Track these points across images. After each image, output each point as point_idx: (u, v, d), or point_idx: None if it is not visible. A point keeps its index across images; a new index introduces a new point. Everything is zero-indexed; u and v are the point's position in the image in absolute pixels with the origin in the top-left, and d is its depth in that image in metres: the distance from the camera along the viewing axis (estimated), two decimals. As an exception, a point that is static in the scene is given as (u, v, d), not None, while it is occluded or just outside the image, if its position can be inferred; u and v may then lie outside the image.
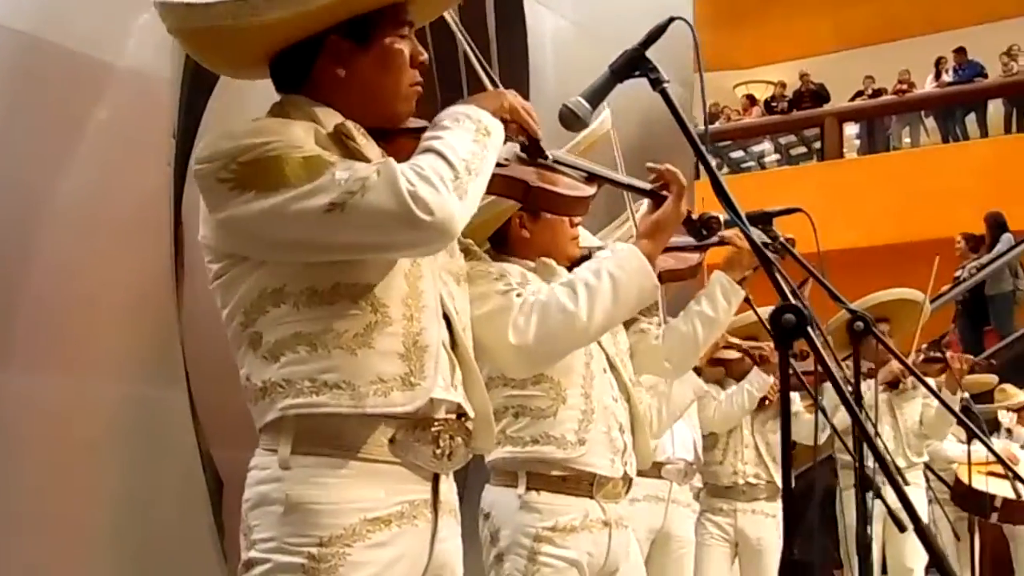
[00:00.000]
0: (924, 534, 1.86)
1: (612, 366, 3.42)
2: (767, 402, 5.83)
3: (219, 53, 2.36)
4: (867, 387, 6.23)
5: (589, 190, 2.57)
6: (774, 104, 19.49)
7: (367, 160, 2.18)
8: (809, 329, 1.96)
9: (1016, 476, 4.54)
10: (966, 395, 6.40)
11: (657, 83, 2.28)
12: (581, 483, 3.25)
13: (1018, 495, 6.73)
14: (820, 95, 18.95)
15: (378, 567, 2.14)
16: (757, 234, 2.99)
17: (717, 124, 19.66)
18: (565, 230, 3.37)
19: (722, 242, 3.66)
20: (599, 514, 3.28)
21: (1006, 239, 13.15)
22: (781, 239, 3.22)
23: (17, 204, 4.05)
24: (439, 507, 2.28)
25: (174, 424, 4.56)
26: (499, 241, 3.34)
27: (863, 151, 18.98)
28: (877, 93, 18.69)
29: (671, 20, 2.31)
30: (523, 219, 3.30)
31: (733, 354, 5.63)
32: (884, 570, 6.59)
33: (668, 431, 5.32)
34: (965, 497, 7.35)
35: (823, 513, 7.25)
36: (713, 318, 3.76)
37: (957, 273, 12.71)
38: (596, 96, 2.34)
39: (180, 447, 4.58)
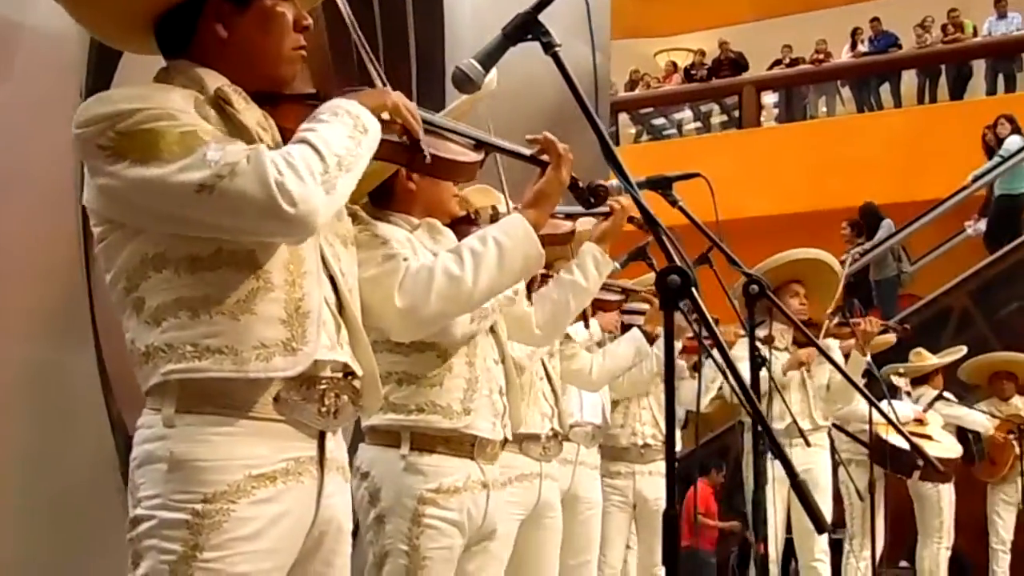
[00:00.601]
0: (799, 488, 1.91)
1: (492, 329, 3.45)
2: None
3: (102, 11, 2.34)
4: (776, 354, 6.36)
5: (475, 156, 2.62)
6: (693, 72, 19.56)
7: (245, 127, 2.20)
8: (694, 291, 2.00)
9: (905, 437, 4.66)
10: (868, 359, 6.48)
11: (549, 47, 2.29)
12: (463, 444, 3.29)
13: (920, 452, 6.84)
14: (739, 64, 19.07)
15: (263, 522, 2.17)
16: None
17: (637, 91, 19.75)
18: (450, 187, 3.39)
19: (609, 213, 3.74)
20: (479, 476, 3.32)
21: (886, 225, 13.37)
22: (680, 203, 3.26)
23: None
24: (325, 464, 2.31)
25: (82, 386, 4.52)
26: (381, 195, 3.32)
27: (781, 119, 19.12)
28: (795, 62, 18.84)
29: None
30: (410, 172, 3.29)
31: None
32: (789, 530, 6.69)
33: (578, 394, 5.40)
34: (886, 456, 7.44)
35: (736, 476, 7.33)
36: (584, 288, 3.80)
37: (843, 258, 12.95)
38: (488, 59, 2.35)
39: (88, 409, 4.55)
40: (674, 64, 21.07)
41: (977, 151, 13.46)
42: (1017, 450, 8.45)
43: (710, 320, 2.05)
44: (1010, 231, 12.38)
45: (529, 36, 2.32)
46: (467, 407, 3.27)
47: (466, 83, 2.36)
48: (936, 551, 8.37)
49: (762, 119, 18.73)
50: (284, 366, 2.19)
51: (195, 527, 2.11)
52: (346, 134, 2.18)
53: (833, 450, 7.01)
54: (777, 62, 19.19)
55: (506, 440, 3.47)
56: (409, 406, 3.27)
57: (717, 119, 20.06)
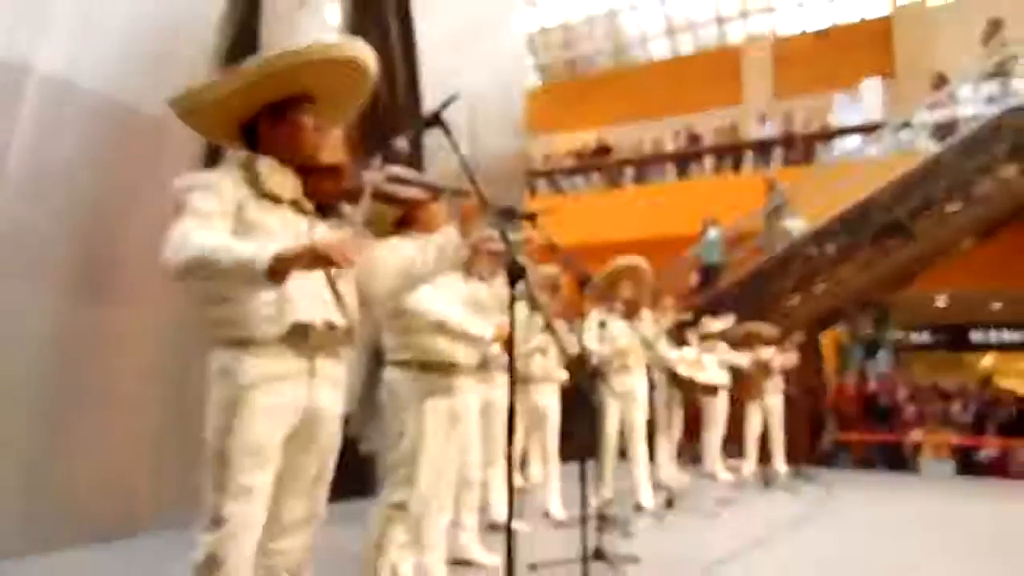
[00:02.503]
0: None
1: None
2: None
3: (205, 123, 2.39)
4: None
5: (422, 194, 2.62)
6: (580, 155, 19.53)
7: (270, 188, 2.33)
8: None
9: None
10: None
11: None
12: (444, 367, 3.43)
13: (691, 381, 6.73)
14: (607, 149, 19.10)
15: (272, 401, 2.29)
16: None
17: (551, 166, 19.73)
18: (442, 213, 3.31)
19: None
20: (460, 383, 3.47)
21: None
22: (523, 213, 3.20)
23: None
24: (316, 374, 2.36)
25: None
26: (404, 222, 3.27)
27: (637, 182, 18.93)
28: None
29: (452, 99, 2.39)
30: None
31: None
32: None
33: None
34: (681, 383, 7.60)
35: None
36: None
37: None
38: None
39: None
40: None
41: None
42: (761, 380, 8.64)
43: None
44: (708, 285, 12.33)
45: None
46: (451, 347, 3.41)
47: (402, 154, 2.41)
48: (711, 436, 8.55)
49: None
50: (274, 329, 2.28)
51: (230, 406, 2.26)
52: (230, 252, 2.13)
53: (651, 381, 7.01)
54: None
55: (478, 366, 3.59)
56: (414, 350, 3.37)
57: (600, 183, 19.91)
